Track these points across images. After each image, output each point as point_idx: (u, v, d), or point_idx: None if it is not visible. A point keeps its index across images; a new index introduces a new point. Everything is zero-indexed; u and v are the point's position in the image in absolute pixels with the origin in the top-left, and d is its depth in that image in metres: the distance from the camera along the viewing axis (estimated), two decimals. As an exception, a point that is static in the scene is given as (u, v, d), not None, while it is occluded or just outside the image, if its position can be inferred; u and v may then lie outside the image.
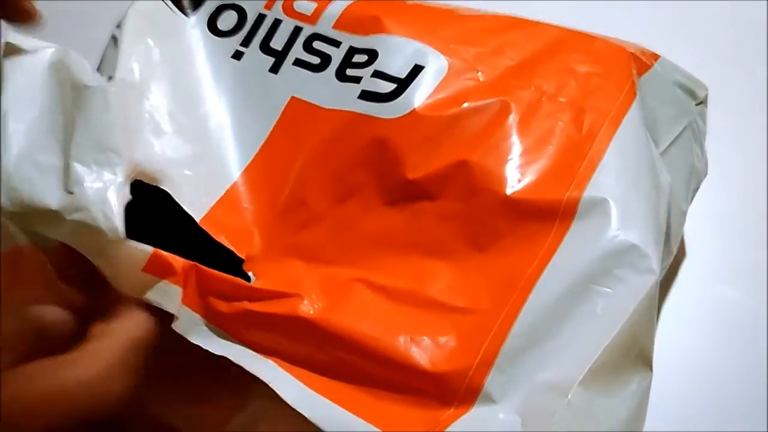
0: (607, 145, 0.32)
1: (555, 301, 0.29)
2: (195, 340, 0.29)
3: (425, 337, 0.29)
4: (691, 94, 0.39)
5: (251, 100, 0.36)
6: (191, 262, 0.30)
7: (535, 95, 0.34)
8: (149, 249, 0.30)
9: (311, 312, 0.29)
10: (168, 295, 0.30)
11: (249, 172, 0.35)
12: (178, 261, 0.30)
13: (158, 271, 0.30)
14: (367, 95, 0.34)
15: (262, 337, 0.29)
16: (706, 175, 0.39)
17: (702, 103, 0.40)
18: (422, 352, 0.28)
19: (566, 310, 0.29)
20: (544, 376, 0.28)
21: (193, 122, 0.35)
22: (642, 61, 0.37)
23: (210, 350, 0.29)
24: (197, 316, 0.30)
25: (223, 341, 0.30)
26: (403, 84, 0.34)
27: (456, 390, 0.28)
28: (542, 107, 0.33)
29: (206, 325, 0.30)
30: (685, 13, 0.50)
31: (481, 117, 0.33)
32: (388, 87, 0.34)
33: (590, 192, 0.30)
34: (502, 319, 0.29)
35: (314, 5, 0.38)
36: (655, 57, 0.38)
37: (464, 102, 0.33)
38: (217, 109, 0.36)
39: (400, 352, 0.28)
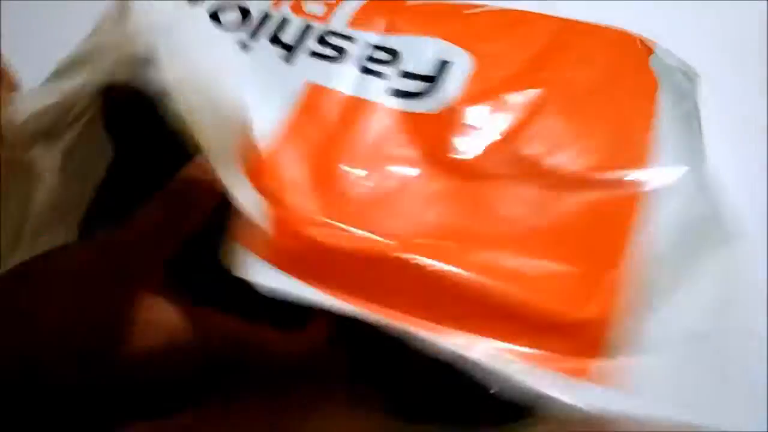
0: (652, 121, 0.32)
1: (668, 252, 0.29)
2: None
3: (555, 288, 0.28)
4: (690, 79, 0.40)
5: (264, 89, 0.32)
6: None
7: (566, 83, 0.33)
8: None
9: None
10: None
11: (274, 151, 0.31)
12: None
13: None
14: (398, 93, 0.33)
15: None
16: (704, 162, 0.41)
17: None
18: (556, 302, 0.27)
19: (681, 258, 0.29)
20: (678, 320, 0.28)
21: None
22: (646, 46, 0.38)
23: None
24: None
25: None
26: (433, 81, 0.33)
27: (596, 339, 0.27)
28: (577, 94, 0.33)
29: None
30: (684, 12, 0.51)
31: (520, 107, 0.32)
32: (419, 86, 0.33)
33: (661, 162, 0.31)
34: (618, 274, 0.28)
35: (324, 8, 0.36)
36: (653, 42, 0.39)
37: (499, 93, 0.32)
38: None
39: (531, 303, 0.27)
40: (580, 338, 0.27)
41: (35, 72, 0.29)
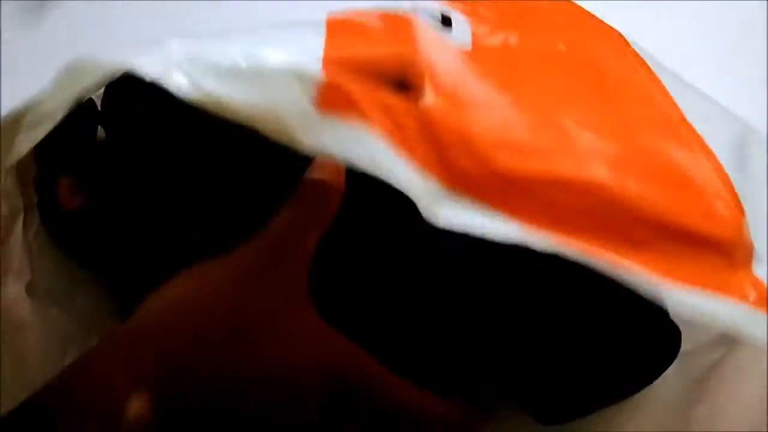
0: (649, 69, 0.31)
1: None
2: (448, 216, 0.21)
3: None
4: None
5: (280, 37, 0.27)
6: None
7: (548, 40, 0.31)
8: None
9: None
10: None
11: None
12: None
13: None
14: (420, 13, 0.29)
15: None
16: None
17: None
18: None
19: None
20: None
21: None
22: None
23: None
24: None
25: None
26: (445, 18, 0.30)
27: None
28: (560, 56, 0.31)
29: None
30: (684, 12, 0.50)
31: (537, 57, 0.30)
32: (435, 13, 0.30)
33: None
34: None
35: None
36: None
37: (507, 38, 0.30)
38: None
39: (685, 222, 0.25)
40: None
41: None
